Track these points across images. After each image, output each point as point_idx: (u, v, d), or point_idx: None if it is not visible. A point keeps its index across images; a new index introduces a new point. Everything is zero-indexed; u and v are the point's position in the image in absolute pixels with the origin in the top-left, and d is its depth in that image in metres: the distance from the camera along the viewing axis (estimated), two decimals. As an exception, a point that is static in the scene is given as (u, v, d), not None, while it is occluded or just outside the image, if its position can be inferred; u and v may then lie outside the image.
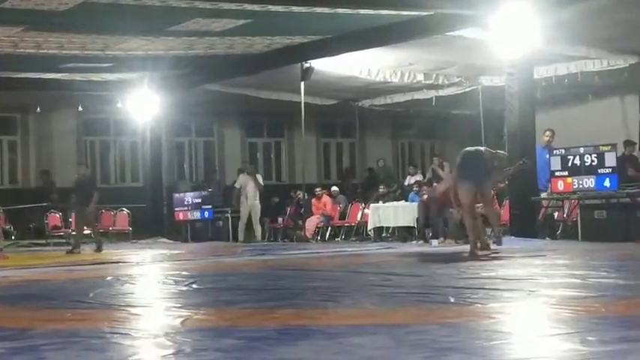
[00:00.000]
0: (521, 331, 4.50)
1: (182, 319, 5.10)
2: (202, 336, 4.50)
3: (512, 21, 13.09)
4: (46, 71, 18.75)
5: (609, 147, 13.70)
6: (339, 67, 17.94)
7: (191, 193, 21.34)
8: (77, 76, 19.61)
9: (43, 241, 20.02)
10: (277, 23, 14.72)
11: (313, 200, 19.44)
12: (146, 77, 19.84)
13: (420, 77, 18.64)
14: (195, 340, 4.34)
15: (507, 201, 14.87)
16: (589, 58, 16.67)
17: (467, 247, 11.58)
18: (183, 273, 9.25)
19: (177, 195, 21.63)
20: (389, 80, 18.62)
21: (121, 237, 20.82)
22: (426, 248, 14.04)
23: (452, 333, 4.30)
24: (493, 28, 13.45)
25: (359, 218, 18.66)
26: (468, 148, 11.60)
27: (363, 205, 18.72)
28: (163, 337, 4.41)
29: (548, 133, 15.73)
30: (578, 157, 13.78)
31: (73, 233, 17.17)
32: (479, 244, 11.33)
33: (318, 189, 19.89)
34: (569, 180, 13.93)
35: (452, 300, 5.77)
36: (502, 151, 12.46)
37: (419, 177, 19.60)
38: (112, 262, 12.16)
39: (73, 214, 17.33)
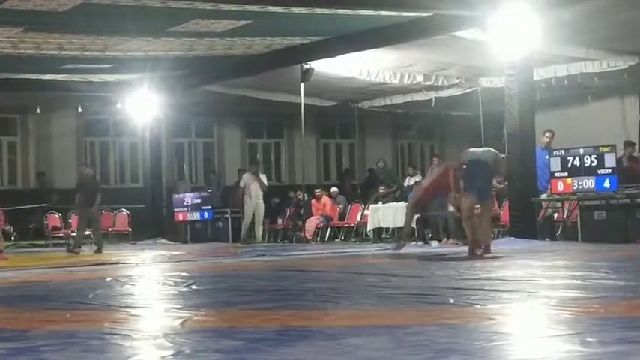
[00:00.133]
0: (520, 332, 4.50)
1: (182, 320, 5.10)
2: (202, 337, 4.50)
3: (512, 22, 13.09)
4: (46, 72, 18.75)
5: (609, 148, 13.69)
6: (338, 68, 17.94)
7: (191, 194, 21.35)
8: (77, 77, 19.60)
9: (43, 242, 20.04)
10: (277, 24, 14.72)
11: (313, 201, 19.45)
12: (146, 78, 19.84)
13: (420, 78, 18.65)
14: (195, 341, 4.34)
15: (507, 202, 14.87)
16: (588, 59, 16.66)
17: (467, 248, 11.57)
18: (183, 274, 9.24)
19: (176, 196, 21.64)
20: (388, 81, 18.61)
21: (120, 238, 20.83)
22: (425, 249, 14.05)
23: (451, 334, 4.30)
24: (493, 29, 13.45)
25: (358, 219, 18.67)
26: (474, 150, 11.49)
27: (363, 206, 18.73)
28: (163, 338, 4.40)
29: (547, 134, 15.72)
30: (577, 158, 13.77)
31: (74, 234, 17.19)
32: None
33: (317, 190, 19.90)
34: (568, 181, 13.92)
35: (451, 301, 5.77)
36: (503, 155, 12.48)
37: (418, 178, 19.58)
38: (112, 263, 12.16)
39: (75, 215, 17.36)
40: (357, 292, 6.88)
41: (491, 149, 11.67)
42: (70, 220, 20.05)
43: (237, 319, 5.30)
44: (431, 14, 14.16)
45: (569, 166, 13.89)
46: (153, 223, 21.38)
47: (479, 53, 15.27)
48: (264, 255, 13.50)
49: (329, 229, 19.26)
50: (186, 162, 24.69)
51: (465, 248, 11.76)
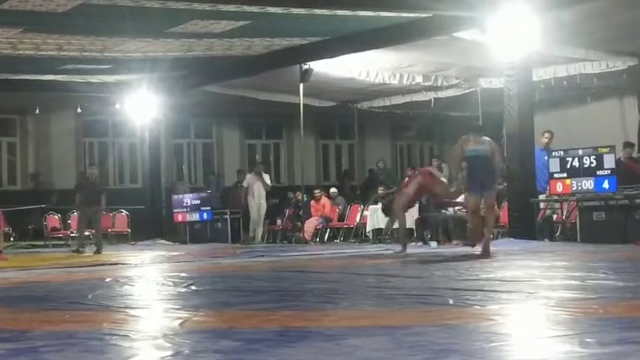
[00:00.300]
0: (520, 332, 4.50)
1: (181, 320, 5.10)
2: (201, 337, 4.50)
3: (511, 23, 13.10)
4: (45, 73, 18.75)
5: (608, 149, 13.69)
6: (338, 69, 17.94)
7: (190, 195, 21.35)
8: (76, 78, 19.61)
9: (42, 243, 20.03)
10: (276, 25, 14.72)
11: (312, 202, 19.46)
12: (145, 79, 19.84)
13: (419, 79, 18.65)
14: (194, 342, 4.34)
15: (506, 202, 14.87)
16: (588, 60, 16.66)
17: (466, 249, 11.58)
18: (182, 274, 9.24)
19: (176, 196, 21.64)
20: (388, 82, 18.61)
21: (119, 239, 20.83)
22: (424, 249, 14.04)
23: (451, 335, 4.30)
24: (492, 30, 13.45)
25: (358, 220, 18.66)
26: (475, 148, 11.46)
27: (362, 206, 18.73)
28: (162, 338, 4.40)
29: (546, 134, 15.73)
30: (576, 159, 13.77)
31: (73, 235, 17.21)
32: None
33: (316, 191, 19.91)
34: (567, 182, 13.92)
35: (451, 302, 5.77)
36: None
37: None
38: (111, 264, 12.16)
39: (75, 215, 17.39)
40: (356, 293, 6.88)
41: (486, 138, 11.69)
42: (69, 221, 20.06)
43: (237, 319, 5.30)
44: (430, 15, 14.17)
45: (569, 166, 13.89)
46: (152, 224, 21.38)
47: (478, 54, 15.28)
48: (263, 256, 13.49)
49: (328, 230, 19.25)
50: (186, 163, 24.68)
51: (465, 249, 11.77)
